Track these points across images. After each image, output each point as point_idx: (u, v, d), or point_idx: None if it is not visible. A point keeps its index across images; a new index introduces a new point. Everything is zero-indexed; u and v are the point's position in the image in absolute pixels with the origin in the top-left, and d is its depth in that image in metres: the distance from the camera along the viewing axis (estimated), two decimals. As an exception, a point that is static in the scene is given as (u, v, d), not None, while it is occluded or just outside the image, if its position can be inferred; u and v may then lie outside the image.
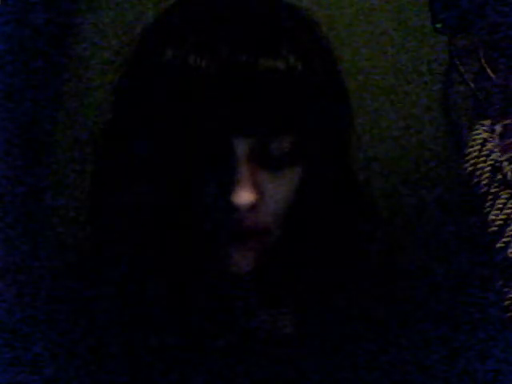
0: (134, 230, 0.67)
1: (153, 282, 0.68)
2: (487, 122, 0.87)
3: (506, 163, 0.84)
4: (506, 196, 0.82)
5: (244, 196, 0.63)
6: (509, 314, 0.79)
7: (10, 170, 0.95)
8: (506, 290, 0.80)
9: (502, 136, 0.86)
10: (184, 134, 0.63)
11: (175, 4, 0.72)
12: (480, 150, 0.85)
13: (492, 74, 0.91)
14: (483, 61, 0.92)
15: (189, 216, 0.66)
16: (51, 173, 1.00)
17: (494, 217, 0.82)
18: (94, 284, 0.70)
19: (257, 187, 0.64)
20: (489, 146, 0.85)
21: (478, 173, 0.84)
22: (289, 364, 0.70)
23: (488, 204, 0.83)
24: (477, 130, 0.87)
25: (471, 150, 0.86)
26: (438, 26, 0.90)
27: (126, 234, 0.68)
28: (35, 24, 0.97)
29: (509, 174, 0.83)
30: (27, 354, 0.68)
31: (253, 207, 0.64)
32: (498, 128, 0.86)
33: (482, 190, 0.83)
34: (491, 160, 0.84)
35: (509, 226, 0.81)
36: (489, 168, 0.84)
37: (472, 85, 0.93)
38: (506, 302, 0.79)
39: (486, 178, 0.84)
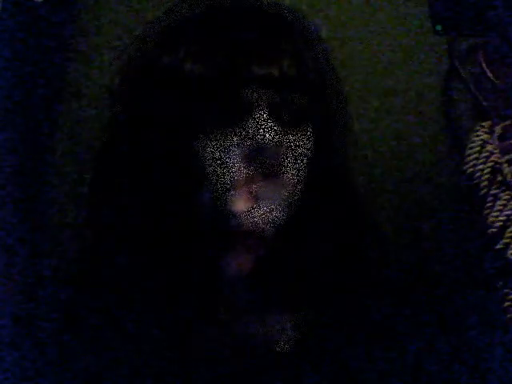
0: (132, 232, 0.68)
1: (151, 283, 0.68)
2: (487, 124, 0.88)
3: (505, 165, 0.84)
4: (505, 197, 0.83)
5: (240, 203, 0.64)
6: (509, 315, 0.79)
7: (11, 171, 0.96)
8: (506, 291, 0.80)
9: (501, 138, 0.86)
10: (179, 138, 0.64)
11: (172, 10, 0.72)
12: (480, 152, 0.85)
13: (492, 76, 0.91)
14: (483, 63, 0.92)
15: (187, 220, 0.66)
16: (51, 174, 1.00)
17: (493, 218, 0.82)
18: (92, 286, 0.70)
19: (253, 193, 0.65)
20: (488, 147, 0.85)
21: (477, 174, 0.84)
22: (287, 369, 0.71)
23: (488, 205, 0.83)
24: (476, 131, 0.87)
25: (471, 151, 0.86)
26: (438, 28, 0.90)
27: (125, 236, 0.68)
28: (35, 27, 0.97)
29: (508, 175, 0.83)
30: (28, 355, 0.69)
31: (249, 212, 0.64)
32: (498, 130, 0.87)
33: (482, 192, 0.84)
34: (491, 161, 0.84)
35: (509, 227, 0.81)
36: (488, 169, 0.84)
37: (472, 87, 0.94)
38: (506, 304, 0.79)
39: (486, 179, 0.84)
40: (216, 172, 0.65)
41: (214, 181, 0.65)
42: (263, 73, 0.64)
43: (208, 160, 0.65)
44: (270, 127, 0.64)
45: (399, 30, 1.02)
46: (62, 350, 0.69)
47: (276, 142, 0.64)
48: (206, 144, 0.65)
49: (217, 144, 0.65)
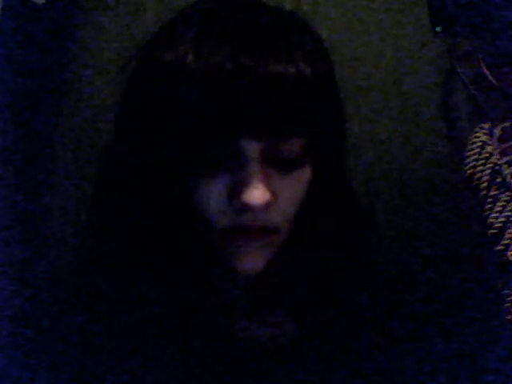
0: (139, 229, 0.67)
1: (155, 282, 0.68)
2: (487, 125, 0.88)
3: (505, 166, 0.84)
4: (505, 198, 0.83)
5: (257, 195, 0.63)
6: (509, 316, 0.79)
7: (11, 172, 0.96)
8: (505, 291, 0.80)
9: (501, 139, 0.86)
10: (194, 136, 0.64)
11: (187, 10, 0.71)
12: (479, 153, 0.85)
13: (491, 78, 0.92)
14: (483, 64, 0.93)
15: (199, 218, 0.66)
16: (51, 175, 1.01)
17: (493, 219, 0.83)
18: (92, 285, 0.70)
19: (269, 187, 0.64)
20: (488, 148, 0.85)
21: (477, 175, 0.85)
22: (286, 372, 0.71)
23: (487, 206, 0.83)
24: (476, 133, 0.88)
25: (471, 152, 0.86)
26: (438, 29, 0.91)
27: (131, 232, 0.68)
28: (37, 28, 0.97)
29: (508, 176, 0.83)
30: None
31: (264, 207, 0.64)
32: (498, 131, 0.87)
33: (482, 193, 0.84)
34: (490, 163, 0.85)
35: (508, 228, 0.82)
36: (488, 171, 0.84)
37: (472, 88, 0.94)
38: (506, 304, 0.80)
39: (486, 180, 0.84)
40: (231, 167, 0.65)
41: (230, 176, 0.65)
42: (280, 70, 0.63)
43: (223, 156, 0.65)
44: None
45: (399, 31, 1.02)
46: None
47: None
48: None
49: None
